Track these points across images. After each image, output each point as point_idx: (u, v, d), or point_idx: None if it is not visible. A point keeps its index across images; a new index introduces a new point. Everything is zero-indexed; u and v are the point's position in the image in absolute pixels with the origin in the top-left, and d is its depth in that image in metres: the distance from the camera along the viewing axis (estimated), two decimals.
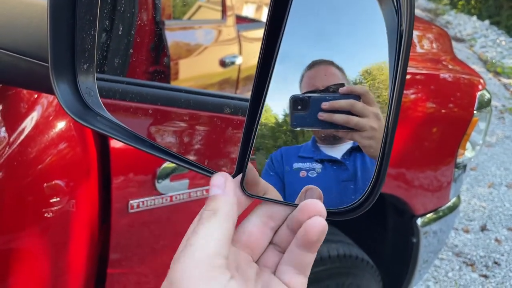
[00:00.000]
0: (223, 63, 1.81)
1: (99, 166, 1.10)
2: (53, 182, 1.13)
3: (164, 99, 0.78)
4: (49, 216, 1.13)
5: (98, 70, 0.75)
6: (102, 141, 1.09)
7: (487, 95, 1.81)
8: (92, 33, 0.57)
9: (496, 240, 3.31)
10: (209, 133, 0.62)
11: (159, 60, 1.57)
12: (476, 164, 4.11)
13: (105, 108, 0.61)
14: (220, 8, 1.95)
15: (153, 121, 0.68)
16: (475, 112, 1.75)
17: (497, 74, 6.57)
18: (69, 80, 0.57)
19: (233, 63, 1.84)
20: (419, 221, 1.76)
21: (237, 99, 1.05)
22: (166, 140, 0.61)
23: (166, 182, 1.15)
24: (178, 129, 0.65)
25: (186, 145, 0.59)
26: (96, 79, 0.66)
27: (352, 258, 1.66)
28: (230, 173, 0.44)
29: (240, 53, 1.97)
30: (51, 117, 1.14)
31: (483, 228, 3.41)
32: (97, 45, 0.61)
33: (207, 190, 1.26)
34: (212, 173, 0.45)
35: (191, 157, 0.51)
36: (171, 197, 1.16)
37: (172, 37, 1.70)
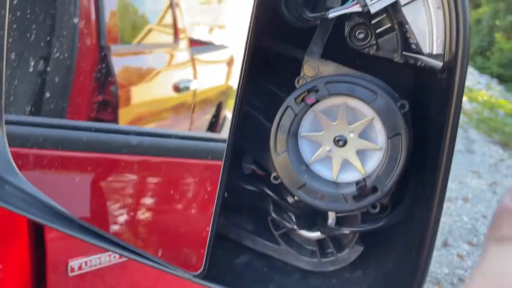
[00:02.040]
0: (177, 88, 1.63)
1: (29, 219, 0.90)
2: None
3: (100, 145, 0.61)
4: None
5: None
6: None
7: None
8: None
9: (459, 255, 3.30)
10: (166, 210, 0.46)
11: (104, 89, 1.39)
12: None
13: (17, 170, 0.44)
14: (171, 31, 1.79)
15: (84, 187, 0.51)
16: None
17: None
18: None
19: (187, 88, 1.66)
20: None
21: (200, 139, 0.89)
22: (102, 219, 0.45)
23: None
24: (120, 201, 0.49)
25: (133, 226, 0.43)
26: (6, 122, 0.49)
27: None
28: (196, 271, 0.30)
29: (195, 77, 1.79)
30: None
31: (445, 244, 3.40)
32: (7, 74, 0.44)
33: None
34: (170, 269, 0.32)
35: (141, 246, 0.36)
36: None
37: (120, 62, 1.52)
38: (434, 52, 0.32)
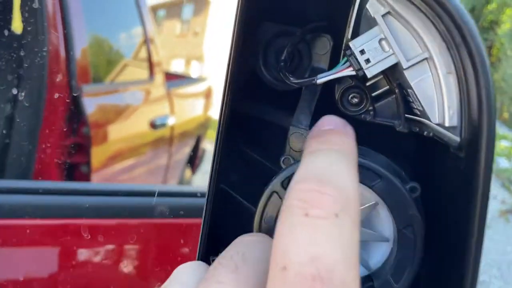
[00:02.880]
0: (153, 125, 1.55)
1: None
2: None
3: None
4: None
5: None
6: None
7: None
8: None
9: None
10: None
11: (77, 132, 1.32)
12: None
13: None
14: (146, 65, 1.72)
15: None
16: None
17: None
18: None
19: (164, 125, 1.58)
20: None
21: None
22: None
23: None
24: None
25: None
26: None
27: None
28: None
29: (172, 111, 1.71)
30: None
31: None
32: None
33: None
34: None
35: None
36: None
37: (93, 103, 1.46)
38: (447, 124, 0.26)
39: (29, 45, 1.25)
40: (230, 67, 0.29)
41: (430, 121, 0.28)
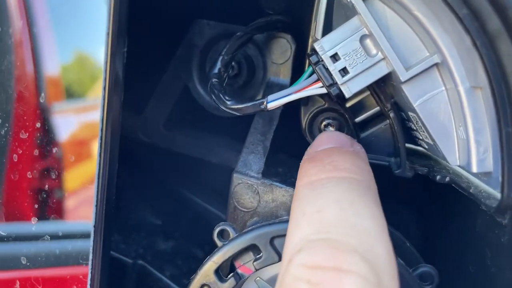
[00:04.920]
0: None
1: None
2: None
3: None
4: None
5: None
6: None
7: None
8: None
9: None
10: None
11: (49, 154, 1.22)
12: None
13: None
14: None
15: None
16: None
17: None
18: None
19: None
20: None
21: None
22: None
23: None
24: None
25: None
26: None
27: None
28: None
29: None
30: None
31: None
32: None
33: None
34: None
35: None
36: None
37: (75, 120, 1.39)
38: (474, 169, 0.16)
39: None
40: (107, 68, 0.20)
41: (446, 161, 0.18)
